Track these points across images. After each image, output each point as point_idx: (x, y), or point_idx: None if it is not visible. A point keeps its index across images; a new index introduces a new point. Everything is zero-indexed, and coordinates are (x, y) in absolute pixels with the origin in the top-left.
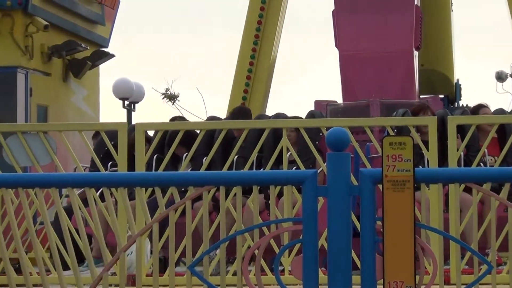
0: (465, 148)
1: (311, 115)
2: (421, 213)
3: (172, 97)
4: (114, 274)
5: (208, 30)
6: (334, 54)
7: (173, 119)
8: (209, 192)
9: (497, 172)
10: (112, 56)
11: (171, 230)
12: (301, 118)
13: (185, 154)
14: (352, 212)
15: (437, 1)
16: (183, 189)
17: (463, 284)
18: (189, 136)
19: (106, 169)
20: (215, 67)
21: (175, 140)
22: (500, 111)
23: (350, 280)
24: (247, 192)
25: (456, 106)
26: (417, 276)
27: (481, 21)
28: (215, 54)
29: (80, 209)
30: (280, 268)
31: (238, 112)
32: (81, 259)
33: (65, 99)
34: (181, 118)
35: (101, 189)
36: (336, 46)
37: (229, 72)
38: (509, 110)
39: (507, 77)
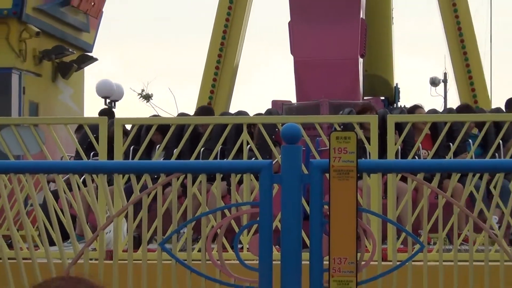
0: (402, 143)
1: (268, 112)
2: (363, 199)
3: (147, 97)
4: (94, 249)
5: (180, 38)
6: (289, 60)
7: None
8: (178, 179)
9: (429, 163)
10: (96, 60)
11: (144, 212)
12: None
13: (158, 145)
14: (302, 197)
15: (379, 15)
16: (155, 176)
17: (398, 261)
18: (164, 126)
19: (88, 158)
20: (186, 70)
21: (150, 132)
22: (433, 111)
23: (300, 257)
24: (211, 180)
25: (395, 106)
26: (359, 254)
27: (418, 33)
28: (186, 59)
29: (65, 192)
30: (240, 245)
31: (202, 110)
32: (65, 236)
33: (54, 96)
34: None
35: (84, 175)
36: (292, 53)
37: (198, 75)
38: (441, 111)
39: (440, 82)
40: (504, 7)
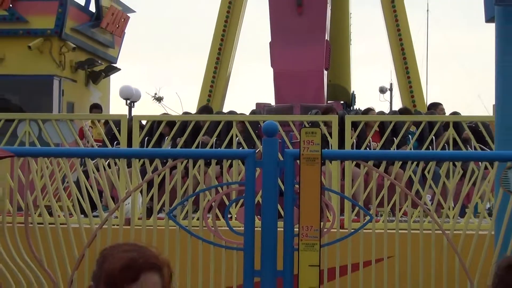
0: (357, 137)
1: (253, 112)
2: (326, 180)
3: (159, 99)
4: (116, 217)
5: (184, 52)
6: (270, 71)
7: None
8: (182, 163)
9: (378, 153)
10: (119, 69)
11: (155, 188)
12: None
13: (166, 137)
14: (278, 178)
15: (340, 36)
16: (164, 160)
17: (352, 229)
18: (171, 122)
19: (112, 146)
20: (189, 78)
21: (160, 126)
22: (381, 113)
23: (276, 225)
24: (208, 164)
25: (351, 109)
26: (322, 223)
27: (370, 51)
28: (189, 70)
29: (93, 172)
30: (229, 216)
31: (204, 109)
32: (93, 207)
33: (86, 98)
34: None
35: (109, 159)
36: (271, 66)
37: (199, 82)
38: (387, 113)
39: (387, 91)
40: (438, 29)
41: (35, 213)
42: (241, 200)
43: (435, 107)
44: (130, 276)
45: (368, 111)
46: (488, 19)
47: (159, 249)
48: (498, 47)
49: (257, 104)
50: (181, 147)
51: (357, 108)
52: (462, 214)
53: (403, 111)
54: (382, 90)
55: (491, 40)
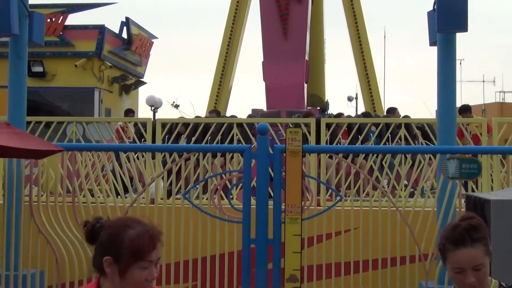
0: (330, 135)
1: (249, 116)
2: (306, 168)
3: (176, 106)
4: (143, 198)
5: (195, 69)
6: (262, 84)
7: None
8: (194, 155)
9: (346, 148)
10: (145, 83)
11: (173, 175)
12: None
13: (182, 135)
14: (269, 167)
15: (317, 57)
16: (181, 154)
17: (327, 206)
18: (186, 123)
19: (140, 142)
20: (200, 90)
21: (177, 127)
22: (349, 116)
23: (267, 203)
24: (214, 156)
25: (325, 113)
26: (303, 202)
27: (341, 67)
28: (200, 83)
29: (125, 163)
30: (231, 196)
31: (213, 111)
32: (126, 190)
33: (120, 105)
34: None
35: (137, 153)
36: (264, 80)
37: (207, 93)
38: (353, 116)
39: (353, 99)
40: (393, 50)
41: (80, 195)
42: (240, 184)
43: (393, 111)
44: (151, 245)
45: (340, 115)
46: (432, 43)
47: (150, 220)
48: (439, 65)
49: (253, 110)
50: (194, 143)
51: (330, 113)
52: (411, 195)
53: (365, 114)
54: (350, 99)
55: (434, 59)
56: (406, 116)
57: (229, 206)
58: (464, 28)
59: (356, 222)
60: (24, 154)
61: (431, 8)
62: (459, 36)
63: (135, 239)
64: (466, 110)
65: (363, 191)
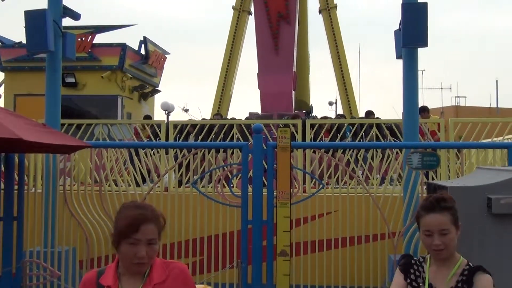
0: (313, 134)
1: (247, 118)
2: (293, 161)
3: (186, 110)
4: (158, 187)
5: (202, 78)
6: (257, 91)
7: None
8: (201, 151)
9: (327, 144)
10: (160, 91)
11: (183, 167)
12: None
13: (191, 134)
14: (263, 161)
15: (303, 68)
16: (190, 150)
17: (311, 193)
18: (194, 125)
19: (156, 141)
20: (205, 96)
21: (187, 127)
22: (328, 118)
23: (262, 190)
24: (218, 152)
25: (310, 116)
26: (291, 189)
27: (324, 77)
28: (206, 90)
29: (144, 157)
30: (232, 185)
31: (217, 114)
32: (143, 180)
33: (139, 110)
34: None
35: (153, 149)
36: (259, 88)
37: (211, 100)
38: (333, 118)
39: (333, 103)
40: (367, 62)
41: (106, 185)
42: (239, 175)
43: (371, 114)
44: (133, 228)
45: (323, 117)
46: (398, 57)
47: (153, 206)
48: (404, 75)
49: (250, 113)
50: (200, 141)
51: (314, 115)
52: (382, 183)
53: (343, 116)
54: (330, 103)
55: (400, 70)
56: (377, 118)
57: (230, 193)
58: (424, 43)
59: (336, 206)
60: (58, 149)
61: (397, 28)
62: (421, 50)
63: (121, 219)
64: (423, 110)
65: (342, 180)
